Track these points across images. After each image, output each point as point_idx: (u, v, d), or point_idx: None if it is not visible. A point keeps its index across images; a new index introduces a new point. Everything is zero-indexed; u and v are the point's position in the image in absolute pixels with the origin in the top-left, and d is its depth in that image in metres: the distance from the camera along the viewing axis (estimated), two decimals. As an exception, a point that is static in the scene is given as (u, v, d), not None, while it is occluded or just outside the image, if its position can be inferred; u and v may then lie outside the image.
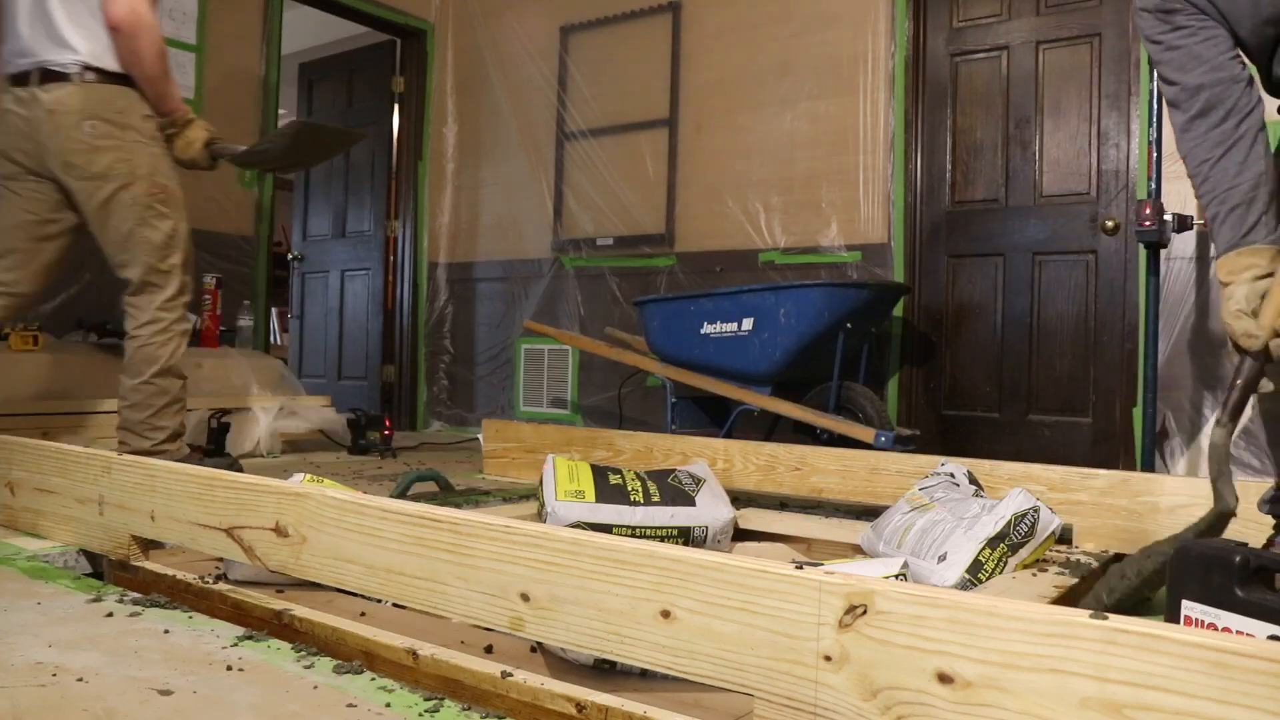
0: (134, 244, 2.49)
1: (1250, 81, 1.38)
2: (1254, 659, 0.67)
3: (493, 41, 5.09)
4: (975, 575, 1.68)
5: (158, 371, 2.52)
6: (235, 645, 1.23)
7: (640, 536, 2.01)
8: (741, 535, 2.29)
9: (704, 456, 2.67)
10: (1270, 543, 1.73)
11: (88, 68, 2.39)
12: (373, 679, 1.13)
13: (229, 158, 2.76)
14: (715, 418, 3.72)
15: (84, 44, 2.39)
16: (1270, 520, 1.79)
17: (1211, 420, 3.05)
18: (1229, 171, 1.36)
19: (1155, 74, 1.63)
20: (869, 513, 2.33)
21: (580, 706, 1.04)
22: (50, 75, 2.39)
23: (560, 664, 1.19)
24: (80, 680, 1.08)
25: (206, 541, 1.49)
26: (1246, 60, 1.40)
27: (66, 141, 2.39)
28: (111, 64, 2.42)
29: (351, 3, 4.92)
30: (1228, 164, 1.36)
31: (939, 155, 3.87)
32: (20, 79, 2.42)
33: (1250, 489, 1.89)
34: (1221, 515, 1.55)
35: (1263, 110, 1.37)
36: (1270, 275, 1.33)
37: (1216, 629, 1.30)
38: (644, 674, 1.13)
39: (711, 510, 2.14)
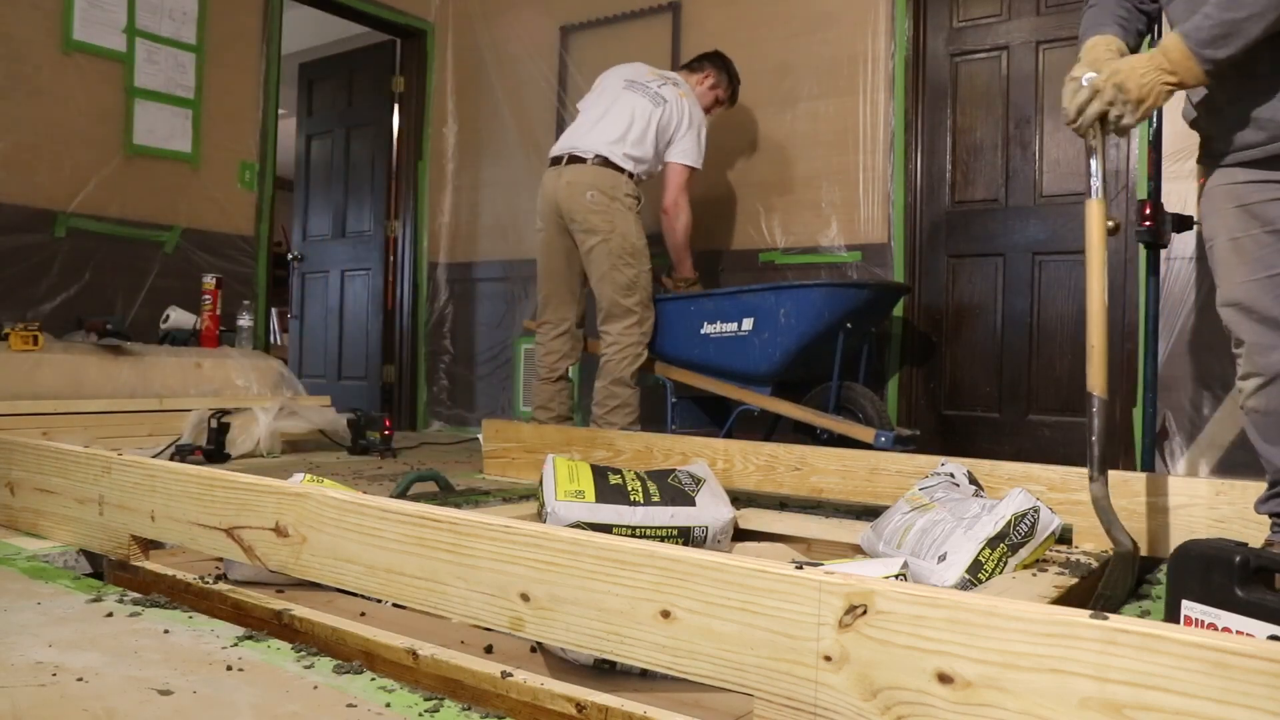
0: (605, 282, 3.45)
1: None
2: (1254, 659, 0.67)
3: (493, 41, 5.09)
4: (975, 575, 1.68)
5: (613, 380, 3.46)
6: (235, 645, 1.23)
7: (640, 536, 2.01)
8: (741, 535, 2.29)
9: (704, 456, 2.67)
10: (1269, 543, 1.73)
11: (598, 157, 3.46)
12: (373, 679, 1.12)
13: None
14: (715, 418, 3.72)
15: (602, 146, 3.47)
16: (1267, 519, 1.79)
17: (1210, 421, 3.06)
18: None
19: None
20: (869, 513, 2.33)
21: (580, 706, 1.04)
22: (574, 159, 3.50)
23: (560, 664, 1.19)
24: (80, 680, 1.08)
25: (206, 541, 1.49)
26: None
27: (574, 203, 3.45)
28: (617, 160, 3.46)
29: (351, 3, 4.92)
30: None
31: (939, 155, 3.87)
32: (556, 161, 3.56)
33: (1250, 490, 1.90)
34: (1124, 557, 1.76)
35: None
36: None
37: (1216, 629, 1.30)
38: (644, 674, 1.13)
39: (711, 510, 2.14)
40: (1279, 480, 1.73)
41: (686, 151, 3.55)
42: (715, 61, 3.82)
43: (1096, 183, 1.83)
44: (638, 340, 3.49)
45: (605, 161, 3.47)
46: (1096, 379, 1.80)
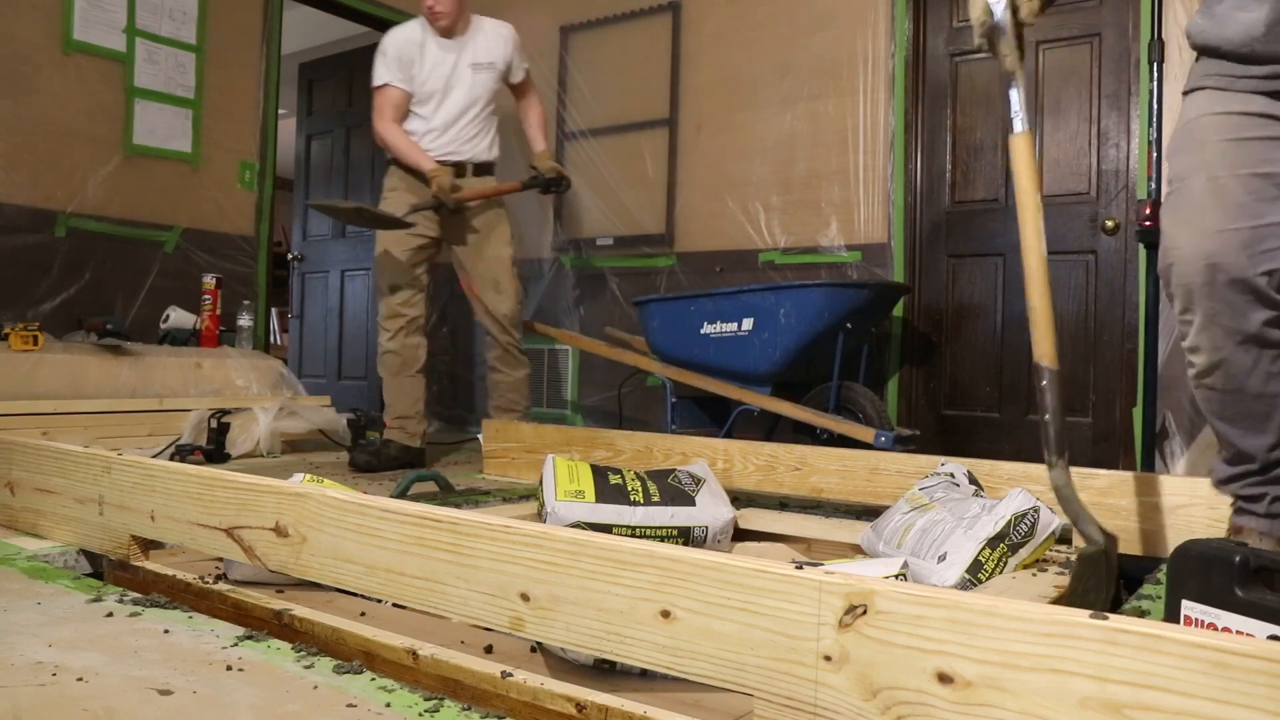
0: None
1: None
2: (1254, 659, 0.67)
3: (493, 41, 5.08)
4: (975, 575, 1.68)
5: (378, 354, 3.54)
6: (235, 645, 1.23)
7: (640, 536, 2.01)
8: (741, 535, 2.29)
9: (704, 456, 2.67)
10: (1236, 528, 1.66)
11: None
12: (373, 679, 1.12)
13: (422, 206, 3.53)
14: (715, 418, 3.72)
15: None
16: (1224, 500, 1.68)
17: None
18: None
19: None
20: (869, 513, 2.33)
21: (580, 706, 1.04)
22: None
23: (560, 664, 1.19)
24: (80, 680, 1.08)
25: (206, 541, 1.49)
26: None
27: None
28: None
29: (351, 3, 4.92)
30: None
31: (939, 155, 3.87)
32: None
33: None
34: (1093, 559, 1.52)
35: None
36: None
37: (1216, 629, 1.30)
38: (644, 674, 1.13)
39: (711, 510, 2.14)
40: (1241, 459, 1.58)
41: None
42: None
43: (1020, 114, 1.63)
44: (389, 314, 3.49)
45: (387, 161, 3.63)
46: (1044, 346, 1.58)
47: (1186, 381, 3.25)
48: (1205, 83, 1.55)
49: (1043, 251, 1.61)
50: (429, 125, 3.49)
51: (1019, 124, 1.63)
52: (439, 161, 3.45)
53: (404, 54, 3.45)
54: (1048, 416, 1.56)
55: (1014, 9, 1.62)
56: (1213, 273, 1.48)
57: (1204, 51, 1.58)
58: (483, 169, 3.58)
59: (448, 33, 3.46)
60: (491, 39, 3.55)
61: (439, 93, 3.47)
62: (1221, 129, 1.50)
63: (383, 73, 3.47)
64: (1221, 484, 1.66)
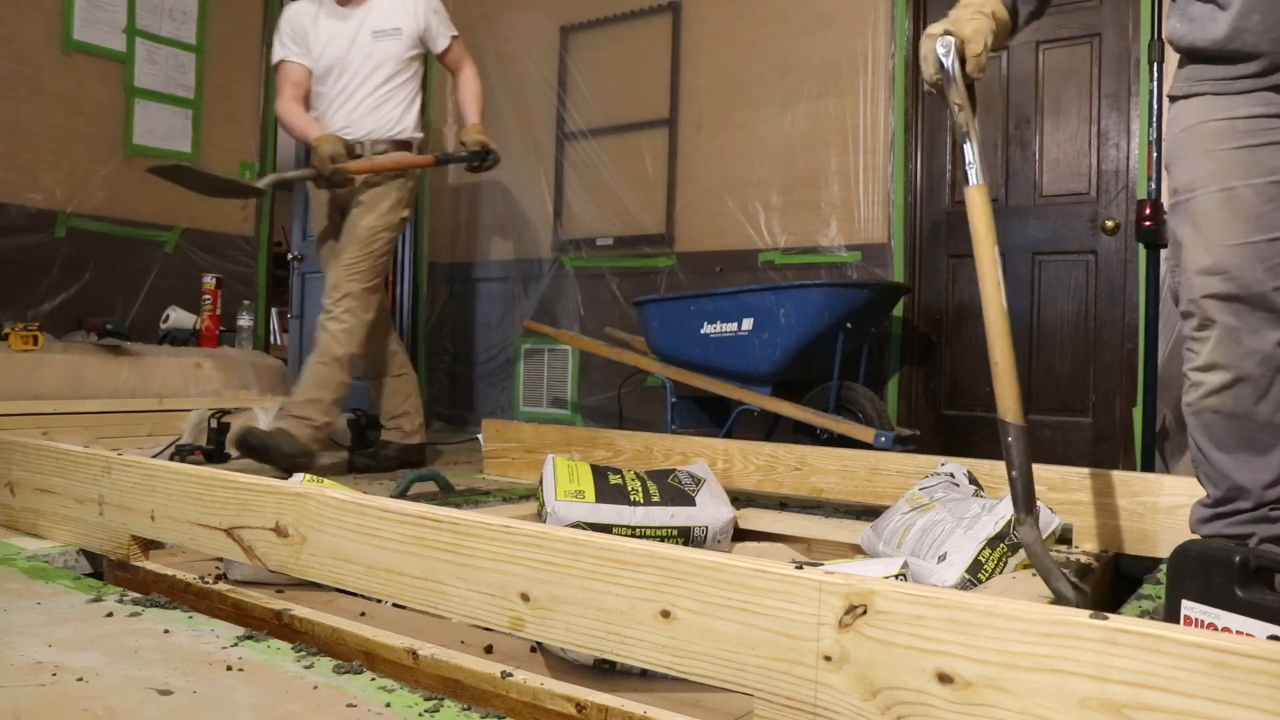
0: None
1: None
2: (1254, 659, 0.67)
3: (493, 41, 5.09)
4: (975, 575, 1.68)
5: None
6: (235, 645, 1.23)
7: (640, 536, 2.01)
8: (741, 535, 2.29)
9: (704, 456, 2.67)
10: None
11: None
12: (373, 679, 1.12)
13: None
14: (715, 418, 3.72)
15: None
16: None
17: None
18: None
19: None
20: (869, 513, 2.33)
21: (580, 706, 1.04)
22: None
23: (560, 664, 1.19)
24: (80, 680, 1.08)
25: (206, 541, 1.49)
26: None
27: None
28: None
29: (351, 3, 4.92)
30: None
31: (939, 155, 3.87)
32: None
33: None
34: None
35: None
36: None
37: (1216, 629, 1.30)
38: (644, 674, 1.13)
39: (711, 510, 2.14)
40: (1233, 497, 1.50)
41: None
42: None
43: (975, 166, 1.59)
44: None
45: None
46: (1008, 402, 1.55)
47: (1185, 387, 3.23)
48: (1201, 88, 1.50)
49: (1003, 305, 1.55)
50: (329, 99, 3.27)
51: (974, 176, 1.58)
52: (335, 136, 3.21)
53: (296, 28, 3.28)
54: (1014, 472, 1.51)
55: (961, 61, 1.58)
56: (1227, 285, 1.43)
57: (1190, 55, 1.53)
58: (392, 144, 3.27)
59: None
60: (396, 4, 3.31)
61: (338, 64, 3.24)
62: (1229, 136, 1.45)
63: (277, 50, 3.30)
64: (1203, 524, 1.57)
